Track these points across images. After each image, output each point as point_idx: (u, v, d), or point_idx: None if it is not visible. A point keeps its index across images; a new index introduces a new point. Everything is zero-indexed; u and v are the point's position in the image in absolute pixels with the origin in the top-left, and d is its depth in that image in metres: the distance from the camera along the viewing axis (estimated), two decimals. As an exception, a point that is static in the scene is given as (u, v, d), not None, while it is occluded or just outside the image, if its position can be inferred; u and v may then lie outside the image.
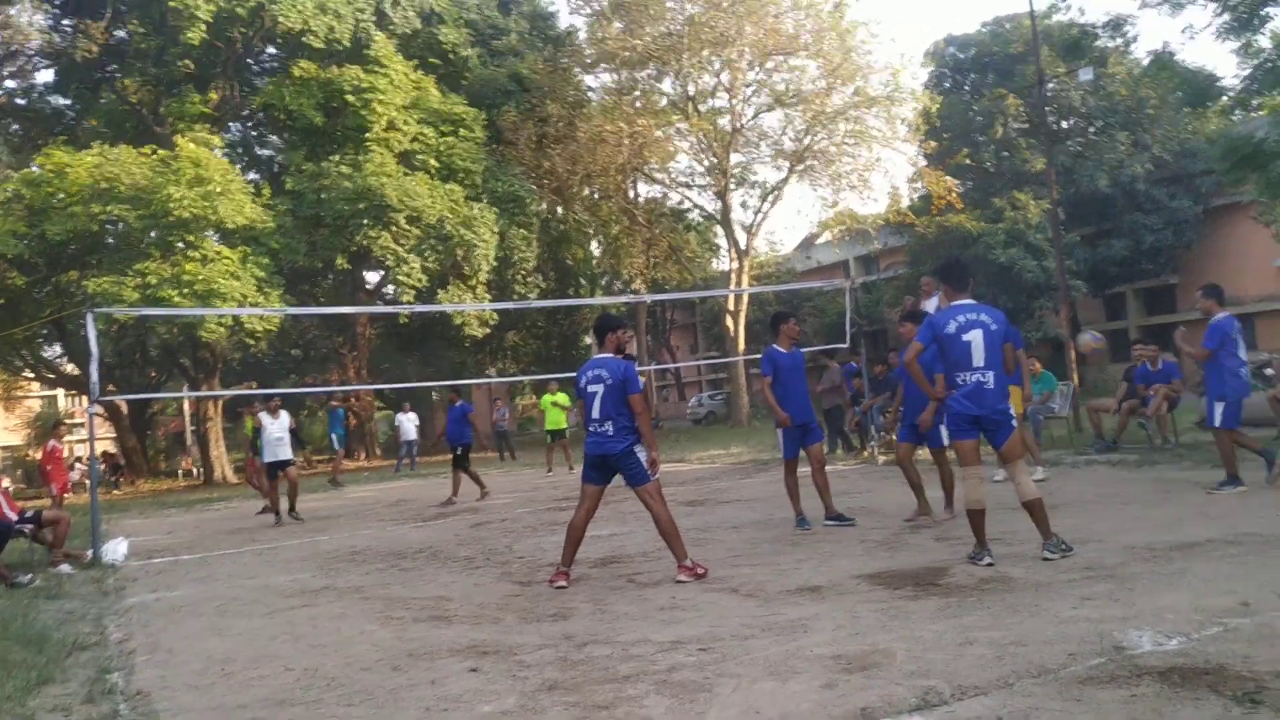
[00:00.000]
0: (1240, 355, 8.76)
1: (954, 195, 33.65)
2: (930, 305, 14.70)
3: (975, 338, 6.30)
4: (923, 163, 35.82)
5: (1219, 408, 8.64)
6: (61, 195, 24.76)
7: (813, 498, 8.93)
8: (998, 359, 6.34)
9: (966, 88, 41.28)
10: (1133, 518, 7.68)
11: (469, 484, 14.83)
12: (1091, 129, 37.96)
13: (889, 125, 33.05)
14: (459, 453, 14.82)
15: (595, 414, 6.86)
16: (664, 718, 3.85)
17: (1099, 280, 36.97)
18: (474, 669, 4.83)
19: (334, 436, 23.64)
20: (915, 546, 7.31)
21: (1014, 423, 6.42)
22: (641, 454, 6.82)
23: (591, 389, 6.90)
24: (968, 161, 36.17)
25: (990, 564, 6.19)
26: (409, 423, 26.72)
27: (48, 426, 21.96)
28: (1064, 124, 38.59)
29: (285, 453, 13.65)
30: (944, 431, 7.97)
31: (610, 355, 7.05)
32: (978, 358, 6.29)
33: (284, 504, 13.72)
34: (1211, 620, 4.49)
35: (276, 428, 13.58)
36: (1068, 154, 35.70)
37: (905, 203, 36.18)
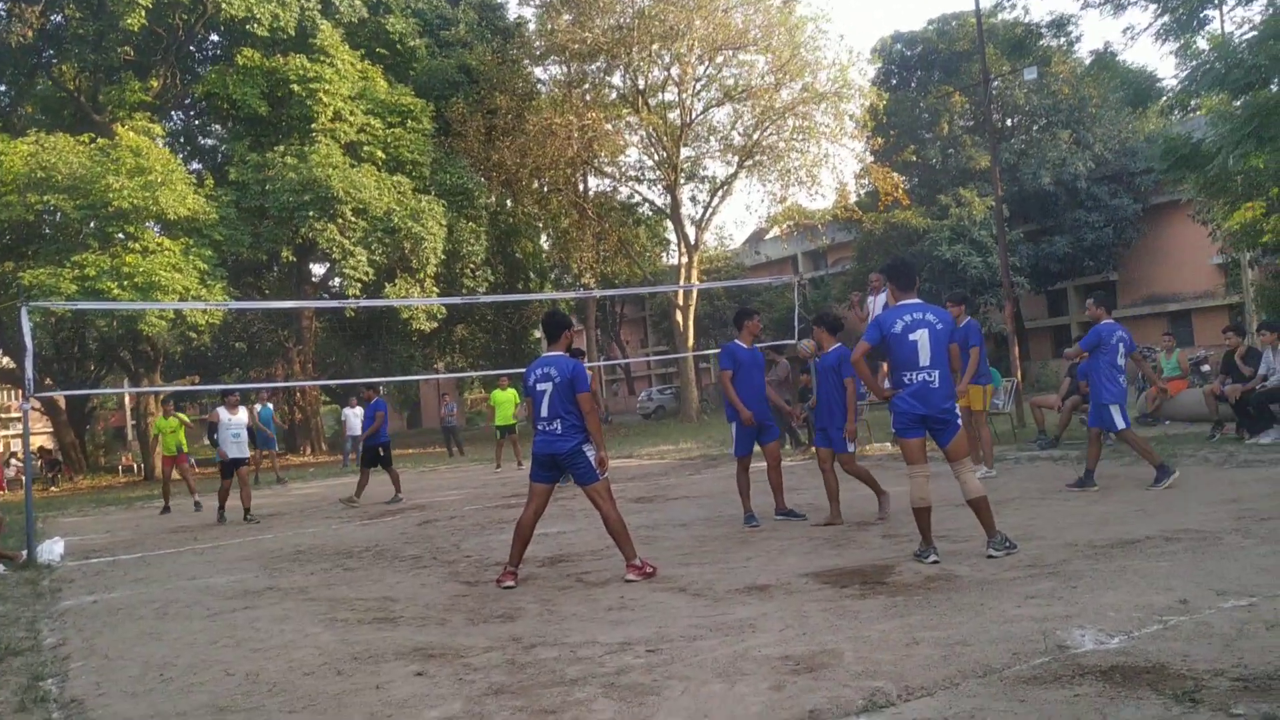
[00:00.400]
0: (1119, 363, 9.03)
1: (900, 191, 34.00)
2: (878, 302, 14.87)
3: (921, 337, 6.34)
4: (870, 159, 36.10)
5: (1114, 411, 8.89)
6: (-5, 184, 24.14)
7: (761, 495, 8.97)
8: (943, 358, 6.40)
9: (913, 84, 41.66)
10: (1075, 514, 7.79)
11: (378, 484, 14.80)
12: (1035, 127, 38.49)
13: (837, 121, 33.29)
14: (380, 453, 14.61)
15: (544, 412, 6.83)
16: (612, 722, 3.82)
17: (1042, 276, 37.54)
18: (420, 673, 4.77)
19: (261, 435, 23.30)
20: (862, 544, 7.35)
21: (958, 422, 6.47)
22: (590, 452, 6.79)
23: (540, 387, 6.86)
24: (914, 158, 36.57)
25: (936, 561, 6.24)
26: (355, 418, 26.41)
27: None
28: (1008, 122, 39.08)
29: (242, 450, 13.42)
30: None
31: (560, 354, 7.02)
32: (924, 357, 6.34)
33: (228, 504, 13.47)
34: (1151, 618, 4.56)
35: (235, 424, 13.32)
36: (1012, 151, 36.17)
37: (853, 198, 36.47)
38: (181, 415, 17.15)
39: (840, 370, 8.38)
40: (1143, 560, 5.80)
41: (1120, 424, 8.96)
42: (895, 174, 35.76)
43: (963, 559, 6.33)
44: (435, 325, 31.49)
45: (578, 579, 6.97)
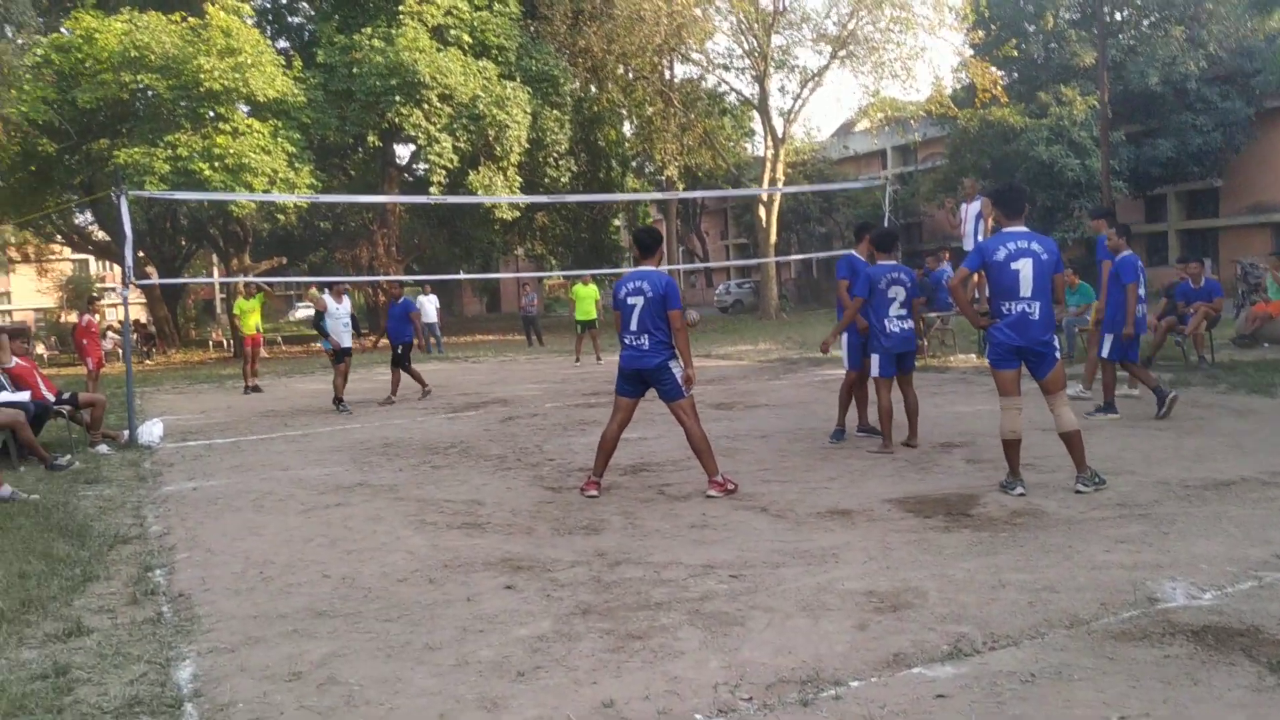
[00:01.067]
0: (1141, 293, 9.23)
1: (999, 88, 32.71)
2: (971, 210, 14.49)
3: (1024, 267, 6.18)
4: (969, 53, 34.71)
5: (1108, 340, 9.27)
6: (91, 62, 24.44)
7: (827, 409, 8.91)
8: (1046, 289, 6.23)
9: (1019, -27, 39.70)
10: (1166, 447, 7.63)
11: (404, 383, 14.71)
12: (1146, 22, 36.54)
13: (936, 12, 31.95)
14: (399, 351, 14.25)
15: (633, 326, 6.82)
16: (698, 652, 3.90)
17: (1141, 181, 36.06)
18: (509, 586, 4.91)
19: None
20: (945, 468, 7.31)
21: (1056, 354, 6.33)
22: (677, 370, 6.79)
23: (631, 301, 6.83)
24: (1015, 53, 34.99)
25: (1022, 494, 6.19)
26: (430, 304, 26.85)
27: (83, 302, 22.16)
28: (1118, 15, 37.17)
29: (348, 340, 13.48)
30: (874, 361, 8.21)
31: (653, 268, 6.95)
32: (1025, 288, 6.18)
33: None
34: (1247, 573, 4.48)
35: (341, 311, 13.45)
36: (1119, 48, 34.45)
37: (948, 93, 35.23)
38: (263, 292, 17.53)
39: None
40: (1238, 506, 5.68)
41: (1105, 352, 9.36)
42: (994, 69, 34.38)
43: (1050, 492, 6.25)
44: (517, 214, 31.53)
45: (659, 491, 7.06)
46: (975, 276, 6.59)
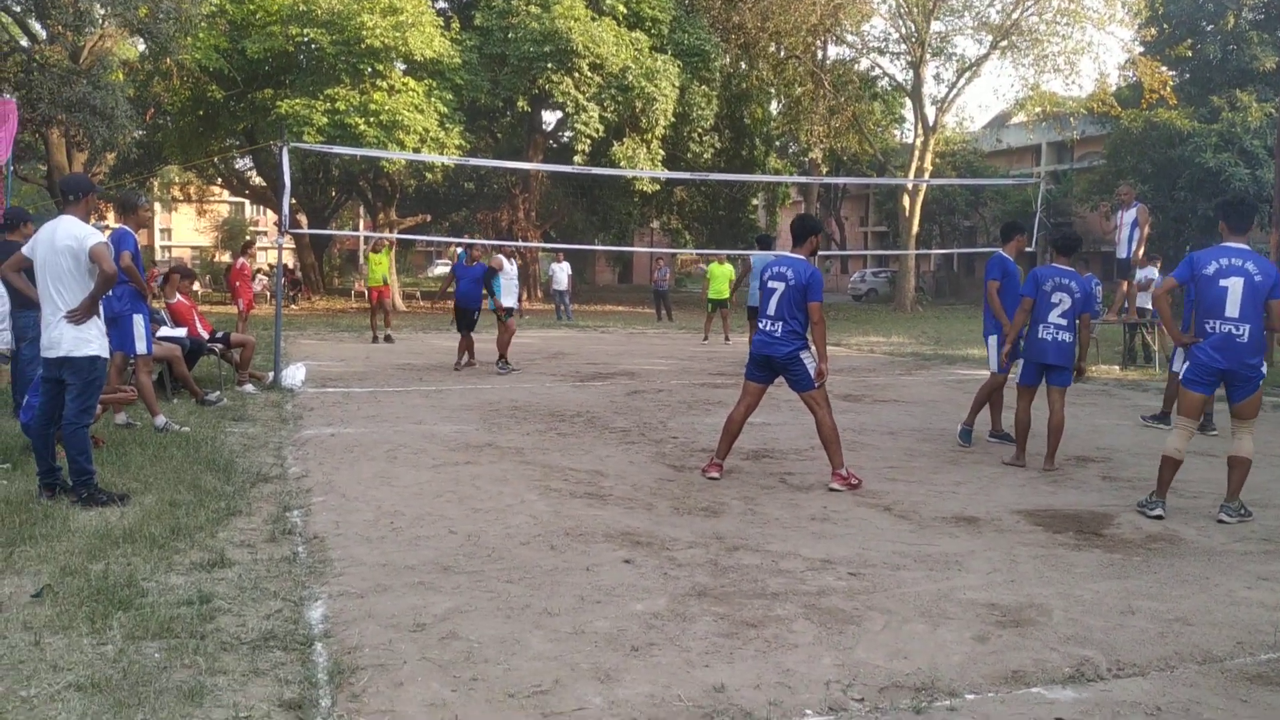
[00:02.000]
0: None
1: (1168, 89, 31.23)
2: (1128, 217, 13.92)
3: (1234, 285, 5.87)
4: (1139, 50, 33.28)
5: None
6: (261, 13, 25.43)
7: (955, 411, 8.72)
8: (1256, 313, 5.88)
9: (1201, -32, 37.77)
10: (1322, 482, 7.23)
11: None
12: (1337, 26, 34.45)
13: (1107, 5, 30.70)
14: (474, 315, 13.76)
15: (769, 311, 6.79)
16: (811, 647, 3.90)
17: (1315, 196, 34.09)
18: (627, 560, 4.98)
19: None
20: (1079, 483, 7.09)
21: (1259, 381, 6.04)
22: (809, 361, 6.74)
23: (772, 285, 6.79)
24: (1189, 54, 33.36)
25: (1160, 516, 5.97)
26: (562, 272, 27.25)
27: (237, 244, 23.13)
28: (1306, 17, 35.10)
29: (512, 300, 13.74)
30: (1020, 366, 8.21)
31: (800, 256, 6.88)
32: (1232, 307, 5.88)
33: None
34: (1401, 626, 4.24)
35: (513, 271, 13.88)
36: (1304, 53, 32.57)
37: (1112, 90, 33.83)
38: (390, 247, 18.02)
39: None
40: (1397, 552, 5.36)
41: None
42: (1164, 68, 32.86)
43: (1190, 519, 6.01)
44: (657, 187, 31.62)
45: (781, 479, 7.05)
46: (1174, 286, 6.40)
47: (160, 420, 8.12)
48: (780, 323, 6.74)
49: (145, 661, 3.56)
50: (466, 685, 3.49)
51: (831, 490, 6.60)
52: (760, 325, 6.91)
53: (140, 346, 8.16)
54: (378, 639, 3.87)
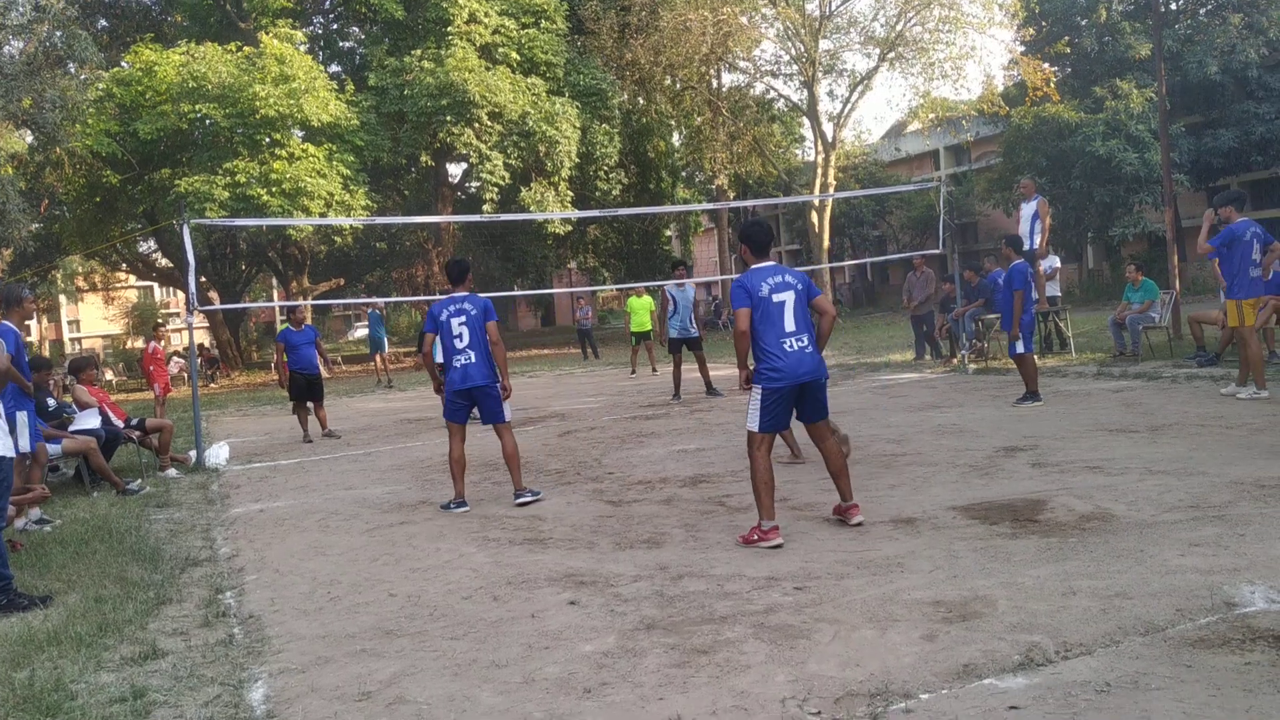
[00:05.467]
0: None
1: (1051, 86, 32.23)
2: (1028, 209, 14.29)
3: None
4: (1020, 50, 34.32)
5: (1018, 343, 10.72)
6: (151, 94, 25.12)
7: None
8: None
9: (1070, -33, 39.13)
10: (1238, 445, 7.43)
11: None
12: (1203, 10, 35.87)
13: (985, 10, 31.60)
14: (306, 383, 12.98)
15: (788, 326, 5.76)
16: (764, 666, 3.87)
17: (1204, 173, 35.33)
18: (572, 602, 4.91)
19: (375, 339, 24.27)
20: (1010, 473, 7.19)
21: None
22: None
23: (779, 298, 5.79)
24: (1067, 50, 34.50)
25: None
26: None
27: (149, 329, 22.65)
28: (1173, 5, 36.52)
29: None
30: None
31: (778, 264, 6.06)
32: None
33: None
34: (1328, 575, 4.35)
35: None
36: (1175, 38, 33.75)
37: (999, 90, 34.80)
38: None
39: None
40: (1317, 504, 5.53)
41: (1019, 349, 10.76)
42: (1046, 65, 33.90)
43: (1119, 495, 6.12)
44: (569, 228, 31.71)
45: (719, 502, 7.04)
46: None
47: (20, 523, 7.82)
48: (806, 334, 5.81)
49: (78, 767, 3.41)
50: (418, 749, 3.39)
51: (855, 524, 5.98)
52: (784, 346, 5.74)
53: (24, 444, 7.85)
54: (323, 713, 3.75)
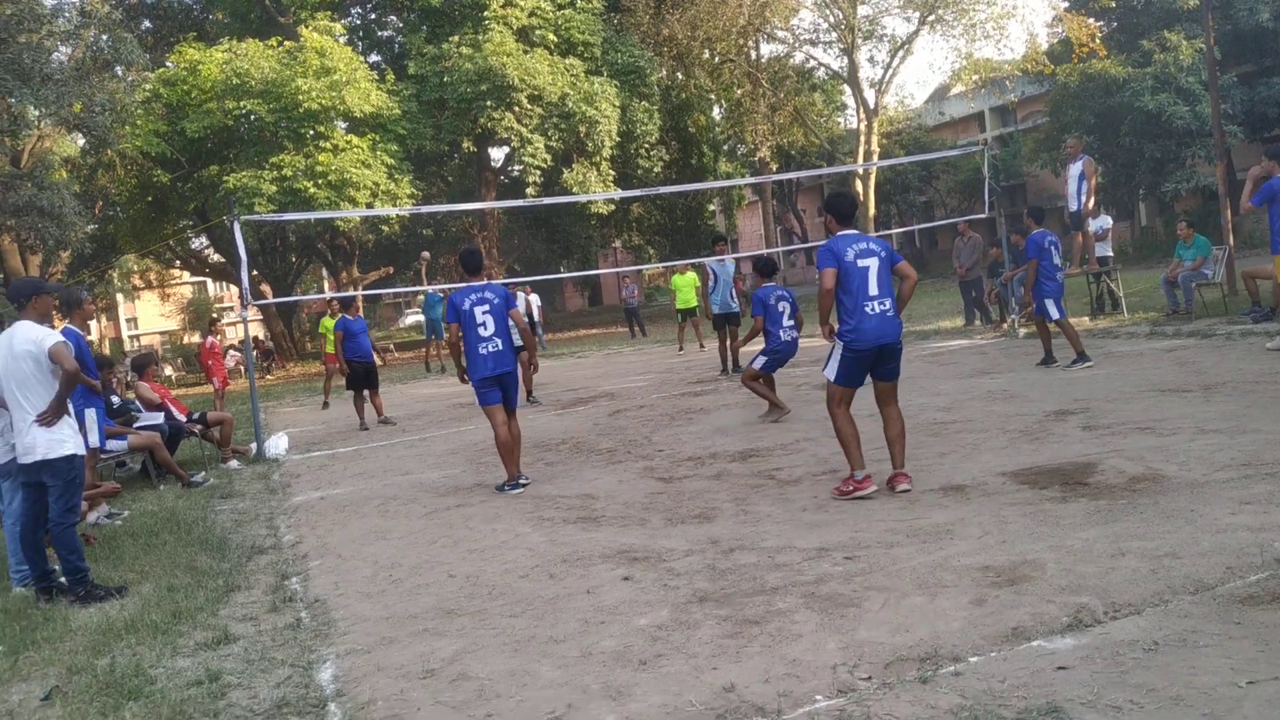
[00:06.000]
0: (1055, 262, 10.80)
1: (1097, 40, 31.63)
2: (1074, 169, 14.10)
3: None
4: (1063, 6, 33.70)
5: (1049, 304, 10.72)
6: (196, 92, 25.50)
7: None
8: None
9: (1114, -81, 38.29)
10: (1294, 401, 7.36)
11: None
12: (1253, -45, 34.97)
13: (1027, -33, 31.10)
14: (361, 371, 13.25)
15: (872, 290, 6.00)
16: (815, 634, 3.95)
17: (1257, 123, 34.48)
18: (626, 577, 5.02)
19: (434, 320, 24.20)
20: (1060, 437, 7.18)
21: None
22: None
23: (863, 263, 6.02)
24: (1111, 3, 33.78)
25: None
26: (531, 304, 27.21)
27: (204, 324, 23.10)
28: (1222, -49, 35.60)
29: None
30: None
31: (862, 233, 6.34)
32: None
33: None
34: (1382, 529, 4.33)
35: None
36: (1225, -14, 33.03)
37: (1044, 48, 34.22)
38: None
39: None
40: (1372, 458, 5.48)
41: (1053, 314, 10.71)
42: (1091, 20, 33.28)
43: (1170, 456, 6.10)
44: (612, 207, 31.77)
45: (769, 475, 7.11)
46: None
47: (103, 509, 8.12)
48: (889, 299, 6.04)
49: (161, 747, 3.58)
50: (481, 722, 3.53)
51: (901, 491, 6.11)
52: (865, 309, 5.98)
53: (93, 440, 8.12)
54: (389, 690, 3.90)
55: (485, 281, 7.95)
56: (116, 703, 4.02)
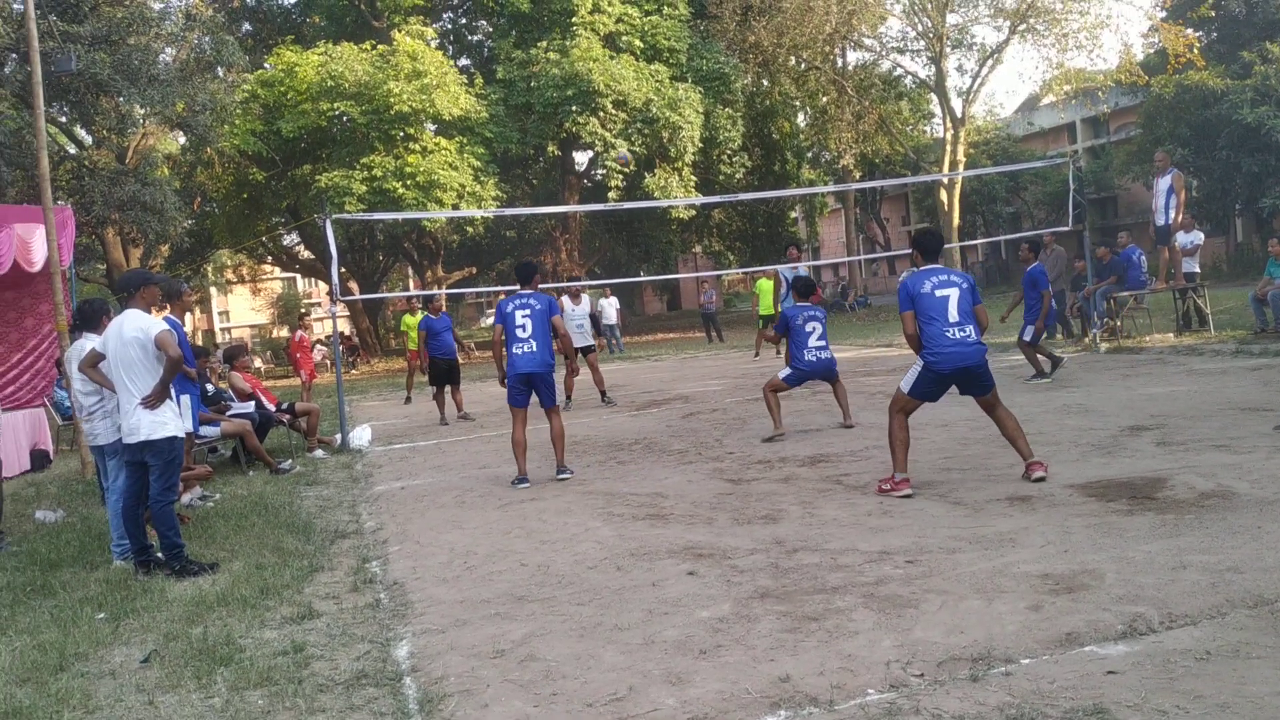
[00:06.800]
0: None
1: (1194, 51, 30.91)
2: (1162, 183, 13.89)
3: None
4: (1160, 15, 33.01)
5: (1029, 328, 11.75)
6: (292, 93, 26.33)
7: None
8: None
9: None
10: (1379, 423, 7.22)
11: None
12: (1361, -35, 33.85)
13: (1123, -24, 30.54)
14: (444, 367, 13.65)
15: (953, 317, 6.43)
16: (871, 632, 4.06)
17: (1363, 138, 33.40)
18: (691, 572, 5.18)
19: None
20: (1133, 451, 7.15)
21: None
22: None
23: (941, 294, 6.48)
24: (1211, 13, 33.01)
25: None
26: (610, 307, 27.54)
27: (293, 318, 23.87)
28: (1328, -39, 34.51)
29: (586, 338, 13.90)
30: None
31: (946, 267, 6.79)
32: None
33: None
34: None
35: (578, 314, 14.01)
36: (1332, -5, 32.09)
37: (1138, 59, 33.55)
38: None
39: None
40: None
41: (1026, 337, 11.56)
42: (1189, 30, 32.55)
43: (1243, 474, 6.07)
44: (693, 212, 31.95)
45: (837, 481, 7.20)
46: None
47: (197, 491, 8.50)
48: (971, 325, 6.46)
49: (250, 708, 3.84)
50: (547, 700, 3.71)
51: (1036, 479, 6.39)
52: (946, 334, 6.40)
53: (188, 425, 8.51)
54: (461, 668, 4.11)
55: (532, 291, 8.47)
56: (209, 667, 4.30)
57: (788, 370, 9.86)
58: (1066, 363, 12.26)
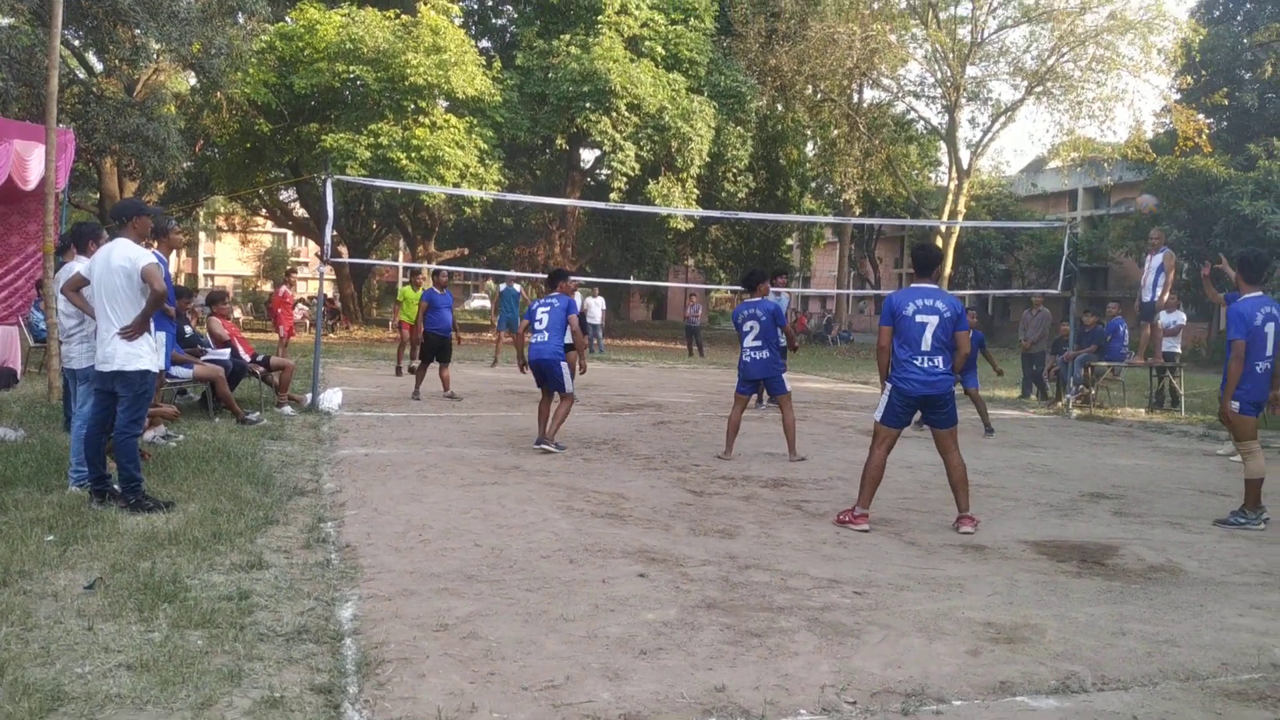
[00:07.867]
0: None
1: (1203, 137, 31.30)
2: (1154, 261, 14.06)
3: (1271, 330, 6.97)
4: (1174, 97, 33.38)
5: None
6: (310, 50, 26.22)
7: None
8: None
9: (1239, 19, 37.87)
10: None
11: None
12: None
13: (1143, 54, 30.90)
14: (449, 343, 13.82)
15: (925, 346, 6.40)
16: (811, 655, 4.11)
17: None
18: (642, 574, 5.21)
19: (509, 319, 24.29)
20: (1090, 517, 7.24)
21: None
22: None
23: (921, 319, 6.41)
24: (1225, 102, 33.42)
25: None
26: (596, 306, 27.51)
27: (279, 273, 23.80)
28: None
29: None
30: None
31: (937, 287, 6.69)
32: (1270, 347, 7.02)
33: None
34: (1385, 653, 4.39)
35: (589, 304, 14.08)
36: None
37: (1147, 136, 33.93)
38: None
39: None
40: (1393, 588, 5.49)
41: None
42: (1200, 115, 32.95)
43: (1193, 551, 6.16)
44: (691, 225, 32.02)
45: (797, 506, 7.26)
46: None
47: (150, 435, 8.44)
48: (940, 357, 6.42)
49: (189, 647, 3.85)
50: (484, 678, 3.74)
51: (965, 532, 6.48)
52: (917, 363, 6.41)
53: (161, 361, 8.45)
54: (403, 636, 4.13)
55: (557, 294, 9.60)
56: (153, 602, 4.30)
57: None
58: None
